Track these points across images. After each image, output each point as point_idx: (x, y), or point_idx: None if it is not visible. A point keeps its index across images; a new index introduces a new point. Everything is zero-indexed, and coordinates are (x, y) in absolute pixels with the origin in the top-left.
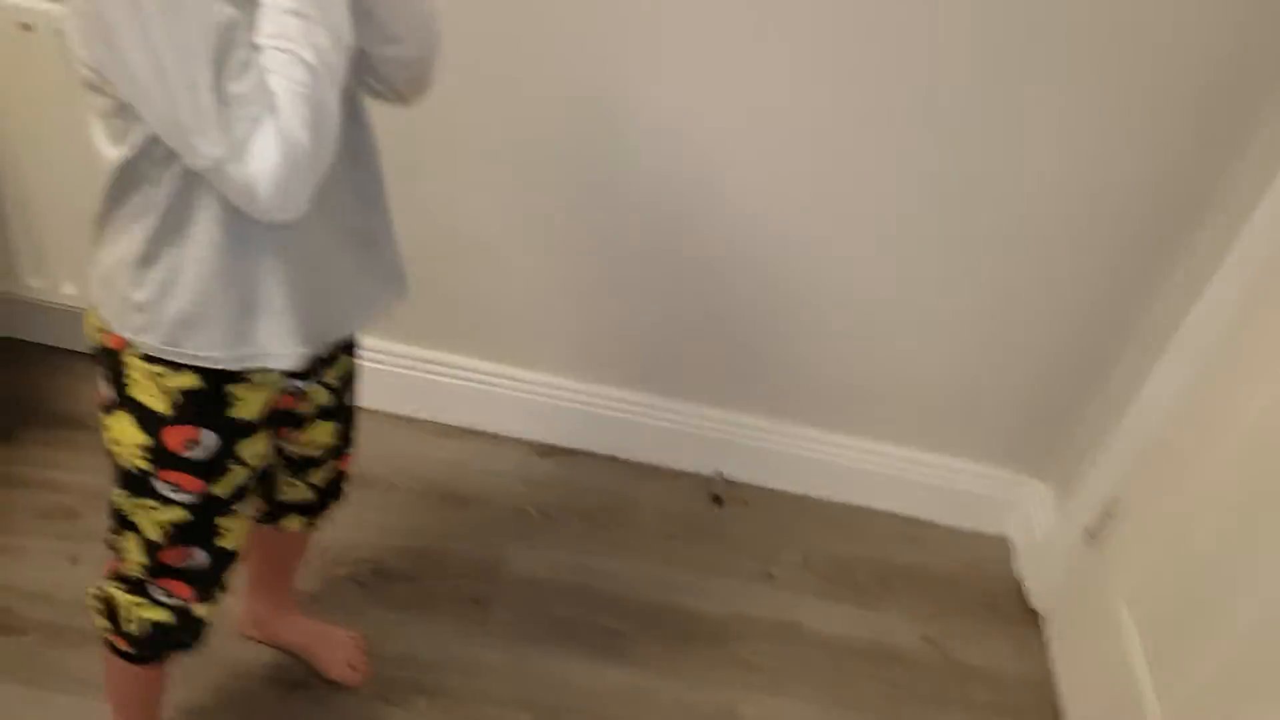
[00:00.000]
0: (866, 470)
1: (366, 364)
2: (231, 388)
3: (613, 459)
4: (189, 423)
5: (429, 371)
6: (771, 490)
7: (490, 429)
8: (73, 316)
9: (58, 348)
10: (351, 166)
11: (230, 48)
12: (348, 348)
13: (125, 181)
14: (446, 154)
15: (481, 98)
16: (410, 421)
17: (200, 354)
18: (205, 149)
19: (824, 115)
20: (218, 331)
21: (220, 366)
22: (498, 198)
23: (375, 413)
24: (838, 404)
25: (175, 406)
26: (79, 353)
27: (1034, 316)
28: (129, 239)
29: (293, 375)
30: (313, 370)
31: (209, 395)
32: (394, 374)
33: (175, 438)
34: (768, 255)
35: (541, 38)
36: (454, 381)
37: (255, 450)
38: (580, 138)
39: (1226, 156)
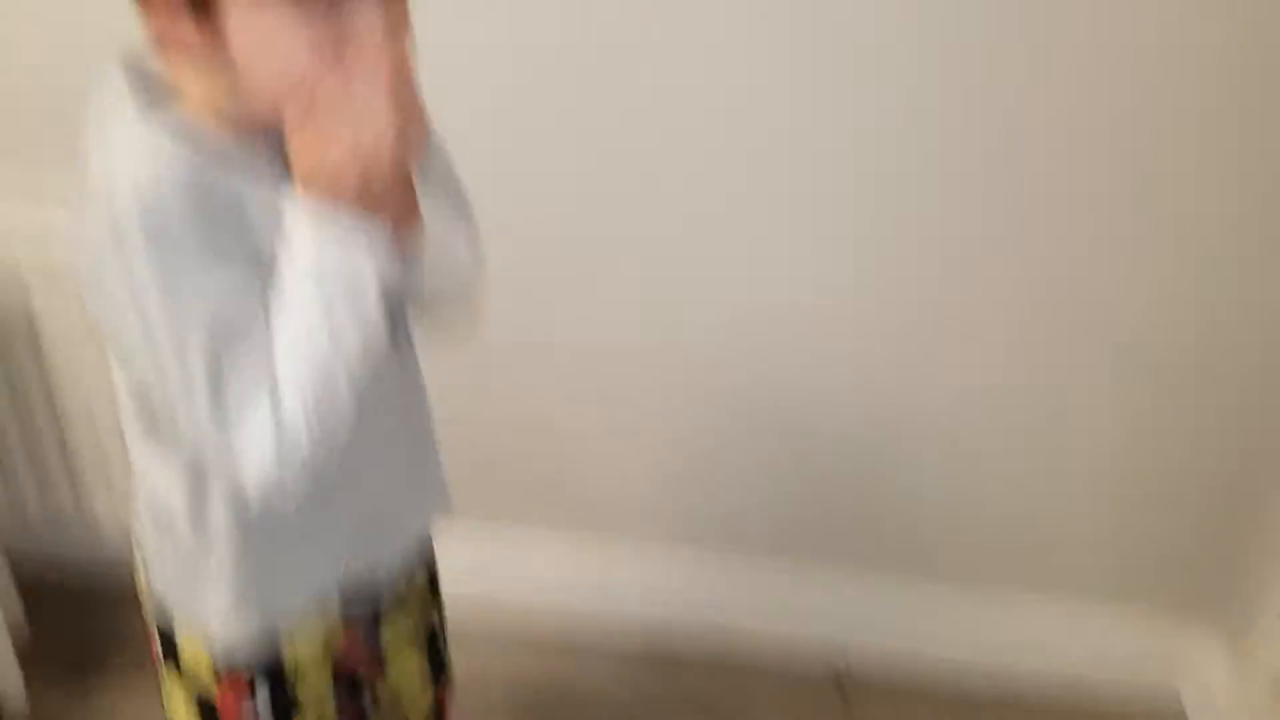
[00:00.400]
0: (1008, 627)
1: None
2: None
3: (723, 653)
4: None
5: (514, 548)
6: (910, 656)
7: (591, 622)
8: None
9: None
10: (400, 393)
11: (238, 333)
12: (424, 568)
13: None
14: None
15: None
16: (497, 613)
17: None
18: (189, 432)
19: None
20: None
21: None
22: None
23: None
24: (975, 554)
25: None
26: None
27: (1176, 443)
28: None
29: (354, 610)
30: (376, 600)
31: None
32: (475, 556)
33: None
34: (884, 403)
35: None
36: (548, 569)
37: (318, 693)
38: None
39: None
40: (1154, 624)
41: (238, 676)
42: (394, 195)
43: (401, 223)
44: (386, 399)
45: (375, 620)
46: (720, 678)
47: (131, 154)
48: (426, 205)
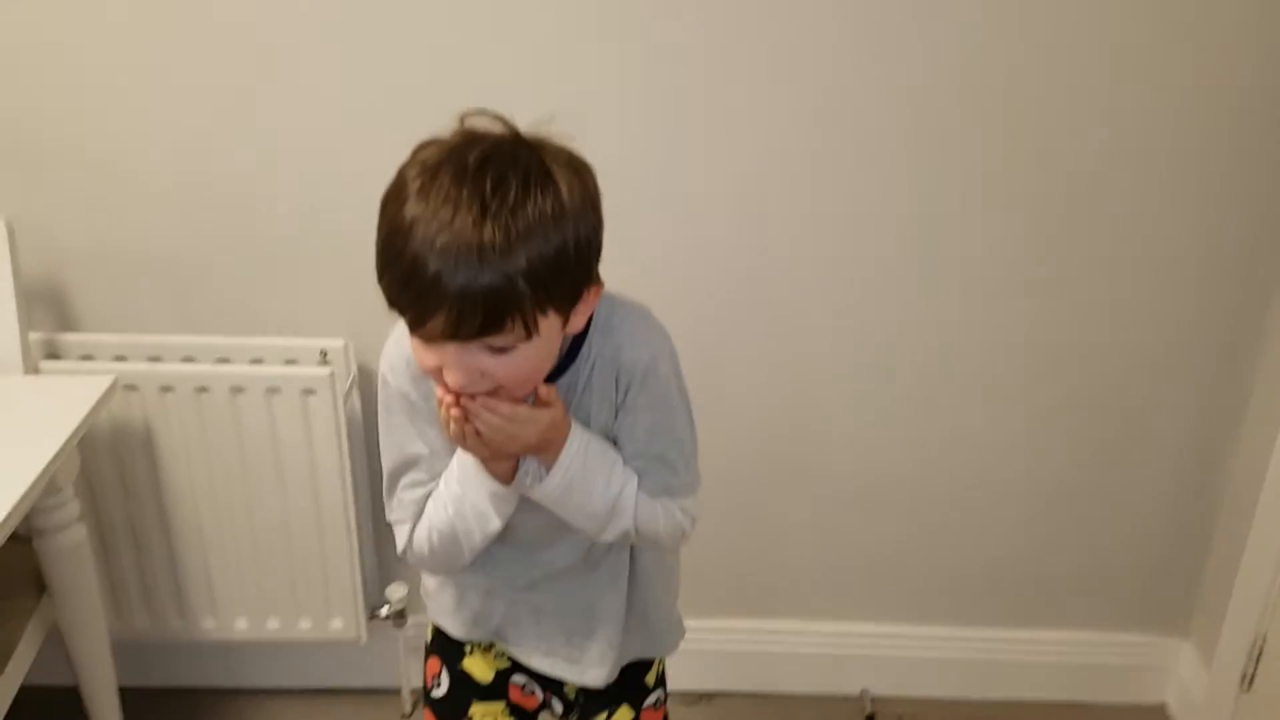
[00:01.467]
0: (1012, 661)
1: None
2: (466, 645)
3: (758, 695)
4: (435, 654)
5: None
6: (924, 699)
7: None
8: (254, 650)
9: (242, 688)
10: (585, 569)
11: (407, 469)
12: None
13: None
14: None
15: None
16: None
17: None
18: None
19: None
20: (435, 603)
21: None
22: None
23: None
24: (970, 597)
25: (431, 638)
26: (271, 689)
27: (1132, 476)
28: None
29: (537, 680)
30: (559, 687)
31: (449, 641)
32: None
33: (429, 669)
34: (866, 456)
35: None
36: None
37: (487, 714)
38: None
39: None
40: (1138, 643)
41: (433, 656)
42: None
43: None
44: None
45: (539, 693)
46: (759, 713)
47: (396, 344)
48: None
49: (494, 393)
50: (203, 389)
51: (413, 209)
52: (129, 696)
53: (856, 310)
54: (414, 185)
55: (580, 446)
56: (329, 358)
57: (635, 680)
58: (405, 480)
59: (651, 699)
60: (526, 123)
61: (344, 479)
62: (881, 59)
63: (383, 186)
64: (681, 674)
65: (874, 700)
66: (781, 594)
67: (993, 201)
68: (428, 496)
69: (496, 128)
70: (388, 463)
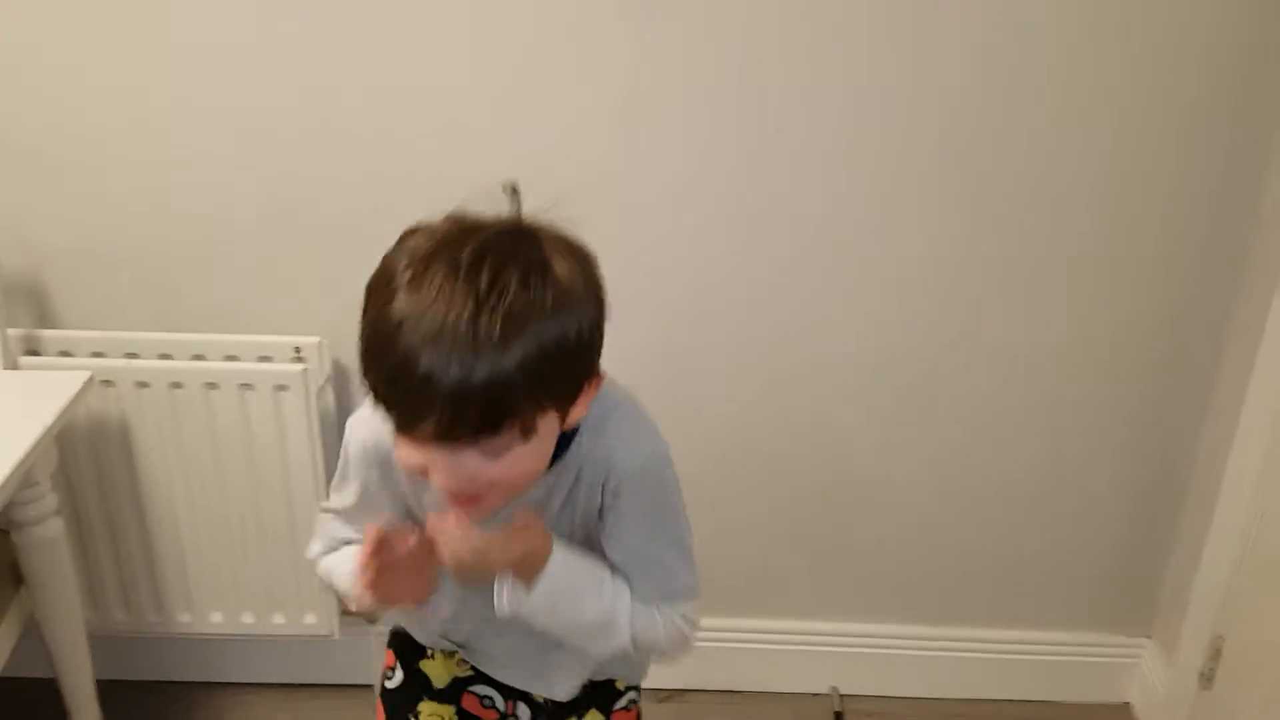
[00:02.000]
0: (979, 660)
1: None
2: (428, 649)
3: (728, 692)
4: (393, 649)
5: None
6: (892, 697)
7: None
8: (229, 644)
9: (218, 682)
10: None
11: (343, 515)
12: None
13: None
14: None
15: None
16: None
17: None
18: None
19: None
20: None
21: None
22: None
23: None
24: (939, 597)
25: (392, 634)
26: (246, 684)
27: (1095, 479)
28: None
29: (501, 690)
30: (525, 694)
31: (411, 641)
32: None
33: (386, 660)
34: (834, 456)
35: None
36: None
37: (435, 714)
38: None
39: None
40: (1103, 642)
41: (391, 650)
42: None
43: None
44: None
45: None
46: (727, 712)
47: (365, 424)
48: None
49: (480, 496)
50: (177, 385)
51: (402, 303)
52: (107, 689)
53: (830, 309)
54: (403, 277)
55: (563, 562)
56: (303, 354)
57: (606, 685)
58: (338, 519)
59: (623, 701)
60: (530, 199)
61: (316, 475)
62: (880, 60)
63: (361, 187)
64: (651, 672)
65: (843, 698)
66: (750, 592)
67: (951, 202)
68: (347, 544)
69: (491, 212)
70: (332, 494)
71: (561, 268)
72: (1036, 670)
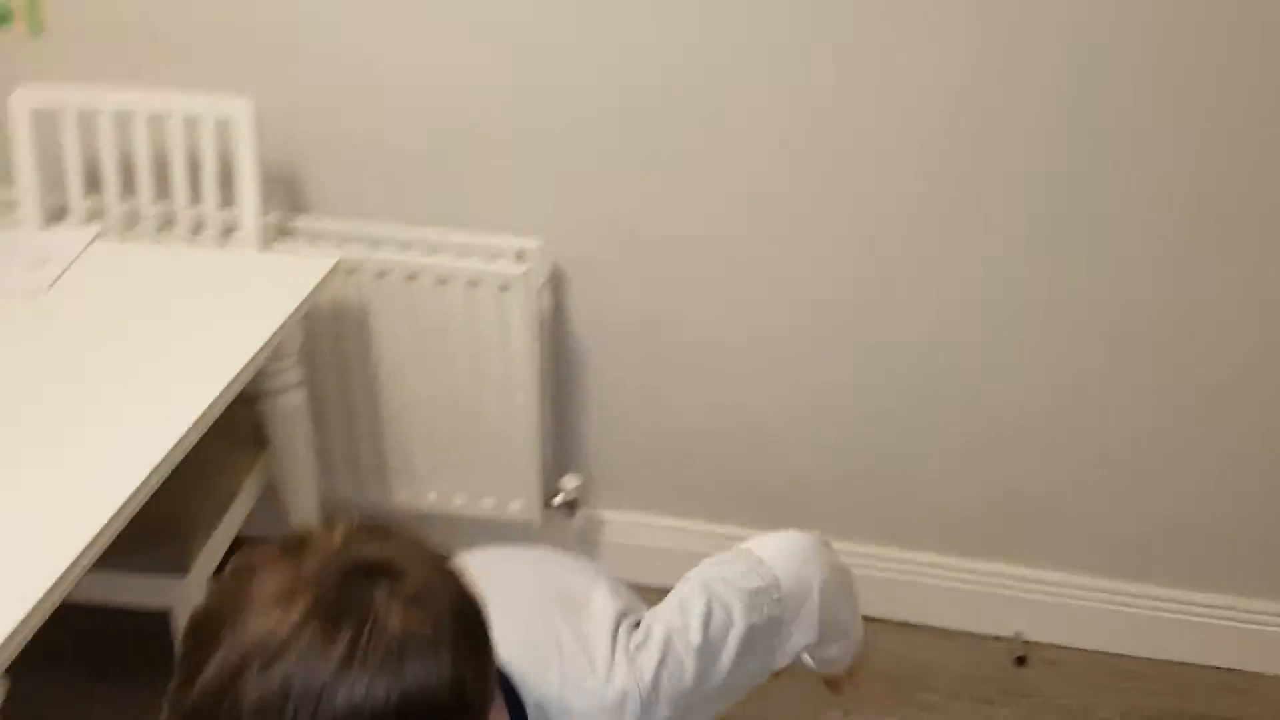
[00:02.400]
0: (1177, 621)
1: None
2: None
3: (907, 624)
4: None
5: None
6: (1077, 649)
7: None
8: (439, 522)
9: None
10: None
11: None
12: None
13: None
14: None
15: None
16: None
17: None
18: None
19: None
20: None
21: None
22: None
23: None
24: (1137, 553)
25: None
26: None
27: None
28: None
29: None
30: None
31: None
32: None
33: None
34: (1055, 411)
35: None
36: None
37: None
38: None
39: None
40: None
41: None
42: None
43: None
44: None
45: None
46: (904, 642)
47: None
48: None
49: None
50: (412, 277)
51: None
52: None
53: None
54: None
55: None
56: (525, 256)
57: None
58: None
59: None
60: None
61: (533, 371)
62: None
63: (591, 91)
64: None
65: (1026, 644)
66: (956, 530)
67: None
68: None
69: (330, 543)
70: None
71: (413, 618)
72: (1232, 636)
